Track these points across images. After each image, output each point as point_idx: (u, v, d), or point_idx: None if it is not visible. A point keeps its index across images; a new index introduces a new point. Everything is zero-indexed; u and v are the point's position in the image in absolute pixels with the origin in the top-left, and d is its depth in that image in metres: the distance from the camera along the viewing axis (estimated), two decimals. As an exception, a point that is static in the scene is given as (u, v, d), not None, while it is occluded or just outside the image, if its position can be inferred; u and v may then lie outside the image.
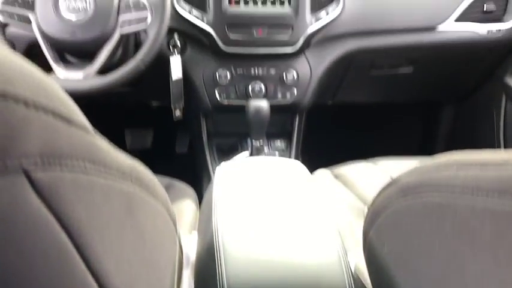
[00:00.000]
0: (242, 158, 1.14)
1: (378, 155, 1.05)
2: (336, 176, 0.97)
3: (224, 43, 1.13)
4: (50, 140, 0.22)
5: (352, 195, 0.91)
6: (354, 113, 1.67)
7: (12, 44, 1.02)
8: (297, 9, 1.11)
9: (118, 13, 0.95)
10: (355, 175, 0.96)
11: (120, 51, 1.04)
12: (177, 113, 1.13)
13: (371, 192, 0.92)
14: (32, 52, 1.01)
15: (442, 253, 0.41)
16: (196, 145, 1.35)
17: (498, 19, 1.22)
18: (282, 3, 1.12)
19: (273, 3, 1.12)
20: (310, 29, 1.13)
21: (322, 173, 1.00)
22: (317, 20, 1.13)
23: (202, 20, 1.12)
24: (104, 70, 0.96)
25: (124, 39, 1.01)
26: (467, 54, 1.29)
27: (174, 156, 1.74)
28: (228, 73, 1.16)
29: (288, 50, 1.14)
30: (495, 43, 1.24)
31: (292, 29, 1.12)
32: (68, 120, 0.23)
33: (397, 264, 0.50)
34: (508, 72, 1.29)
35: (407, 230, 0.47)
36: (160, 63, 1.06)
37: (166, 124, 1.46)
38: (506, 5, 1.22)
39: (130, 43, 1.07)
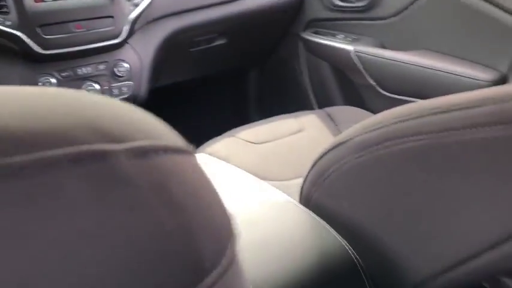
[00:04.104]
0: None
1: (207, 126, 1.10)
2: (218, 157, 0.98)
3: (40, 46, 0.98)
4: None
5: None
6: (177, 92, 1.67)
7: None
8: (111, -3, 1.04)
9: None
10: (231, 150, 0.99)
11: None
12: None
13: (257, 162, 0.97)
14: None
15: (427, 189, 0.48)
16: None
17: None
18: (93, -8, 1.03)
19: (84, -6, 1.02)
20: (132, 16, 1.07)
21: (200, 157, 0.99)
22: (135, 6, 1.08)
23: (4, 24, 0.95)
24: None
25: None
26: (267, 19, 1.43)
27: None
28: (52, 79, 1.02)
29: (114, 41, 1.07)
30: (289, 4, 1.39)
31: (113, 18, 1.05)
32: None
33: (363, 214, 0.57)
34: (301, 27, 1.48)
35: (372, 181, 0.54)
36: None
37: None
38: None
39: None
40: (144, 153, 0.16)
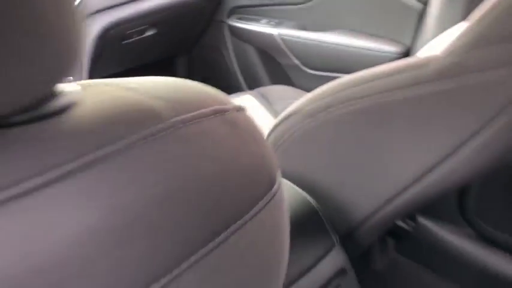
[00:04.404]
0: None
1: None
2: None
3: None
4: None
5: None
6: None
7: None
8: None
9: None
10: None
11: None
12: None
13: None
14: None
15: (366, 141, 0.61)
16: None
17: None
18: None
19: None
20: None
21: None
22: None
23: None
24: None
25: None
26: (192, 8, 1.50)
27: None
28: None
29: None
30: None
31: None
32: None
33: (317, 169, 0.68)
34: (225, 14, 1.57)
35: (322, 141, 0.66)
36: None
37: None
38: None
39: None
40: (240, 108, 0.26)
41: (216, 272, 0.22)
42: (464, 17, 0.99)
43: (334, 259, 0.66)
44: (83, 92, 0.22)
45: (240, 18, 1.52)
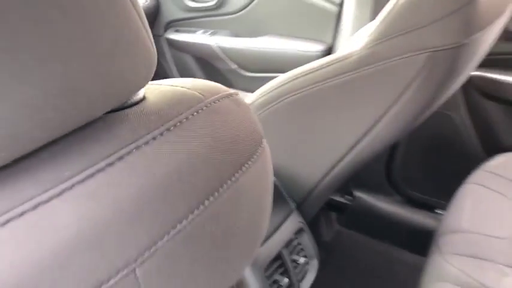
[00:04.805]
0: None
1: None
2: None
3: None
4: None
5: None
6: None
7: None
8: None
9: None
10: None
11: None
12: None
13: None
14: None
15: (307, 122, 0.76)
16: None
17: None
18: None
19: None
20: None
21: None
22: None
23: None
24: None
25: None
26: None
27: None
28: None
29: None
30: (147, 10, 1.59)
31: None
32: None
33: (272, 152, 0.83)
34: (162, 28, 1.68)
35: (272, 128, 0.80)
36: None
37: None
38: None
39: None
40: (236, 93, 0.39)
41: (220, 216, 0.34)
42: (372, 18, 1.19)
43: (294, 222, 0.80)
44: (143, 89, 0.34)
45: (177, 31, 1.64)
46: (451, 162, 1.22)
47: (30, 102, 0.23)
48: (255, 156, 0.37)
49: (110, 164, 0.27)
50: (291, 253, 0.78)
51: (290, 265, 0.76)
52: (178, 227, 0.30)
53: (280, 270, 0.75)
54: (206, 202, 0.31)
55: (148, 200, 0.28)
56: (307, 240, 0.82)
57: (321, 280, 1.24)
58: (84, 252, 0.25)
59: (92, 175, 0.26)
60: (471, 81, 1.16)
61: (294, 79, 0.77)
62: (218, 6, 1.53)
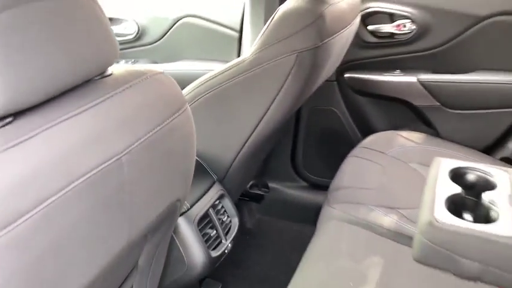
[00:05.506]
0: None
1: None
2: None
3: None
4: None
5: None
6: None
7: None
8: None
9: None
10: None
11: None
12: None
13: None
14: None
15: (225, 113, 1.02)
16: None
17: None
18: None
19: None
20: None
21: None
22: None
23: None
24: None
25: None
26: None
27: None
28: None
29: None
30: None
31: None
32: None
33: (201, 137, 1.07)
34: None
35: (197, 116, 1.05)
36: None
37: None
38: None
39: None
40: (161, 72, 0.64)
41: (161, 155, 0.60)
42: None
43: (217, 189, 1.05)
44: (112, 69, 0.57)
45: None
46: (339, 147, 1.53)
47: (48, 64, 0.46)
48: (180, 111, 0.61)
49: (96, 104, 0.50)
50: (217, 214, 1.02)
51: (217, 222, 1.00)
52: (143, 138, 0.53)
53: (209, 225, 0.99)
54: (155, 129, 0.55)
55: (126, 118, 0.52)
56: (228, 204, 1.06)
57: (247, 259, 1.48)
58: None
59: (84, 110, 0.49)
60: (346, 82, 1.49)
61: (207, 81, 1.03)
62: (137, 38, 1.77)
